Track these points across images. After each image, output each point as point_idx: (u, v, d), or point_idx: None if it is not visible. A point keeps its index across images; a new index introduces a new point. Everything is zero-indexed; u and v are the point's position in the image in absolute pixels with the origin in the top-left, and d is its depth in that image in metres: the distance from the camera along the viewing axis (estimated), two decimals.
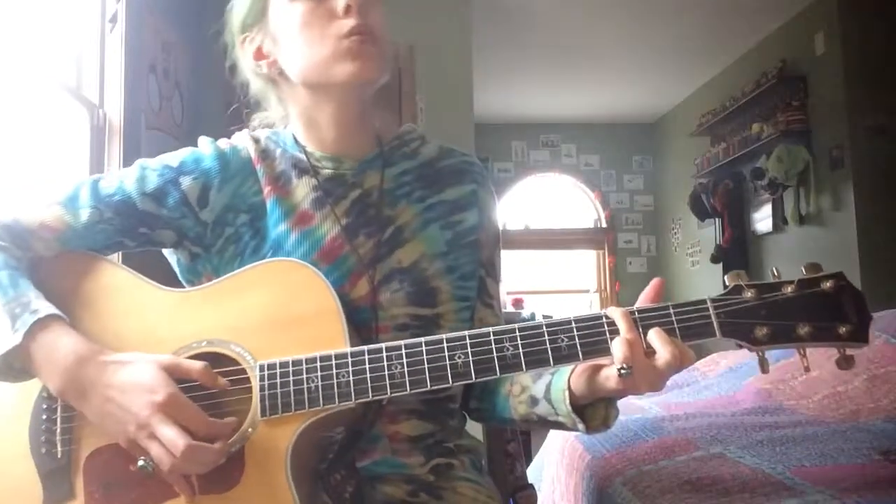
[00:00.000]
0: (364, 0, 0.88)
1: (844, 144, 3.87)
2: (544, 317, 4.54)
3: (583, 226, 6.69)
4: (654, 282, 0.80)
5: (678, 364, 0.72)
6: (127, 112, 2.08)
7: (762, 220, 4.73)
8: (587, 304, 6.49)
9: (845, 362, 0.74)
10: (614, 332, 0.75)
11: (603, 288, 6.60)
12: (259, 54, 0.96)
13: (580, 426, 0.82)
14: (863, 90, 3.82)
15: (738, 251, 4.92)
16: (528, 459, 1.79)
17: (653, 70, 5.22)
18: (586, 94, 5.79)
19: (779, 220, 4.50)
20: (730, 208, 4.95)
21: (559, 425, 0.86)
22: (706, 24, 4.42)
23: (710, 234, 5.37)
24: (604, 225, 6.62)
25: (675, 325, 0.74)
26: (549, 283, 6.56)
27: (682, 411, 1.62)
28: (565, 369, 0.84)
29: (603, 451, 1.36)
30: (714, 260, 5.04)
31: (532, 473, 1.73)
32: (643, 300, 0.78)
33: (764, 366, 0.76)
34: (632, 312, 0.75)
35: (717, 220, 5.13)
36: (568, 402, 0.81)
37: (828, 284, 0.74)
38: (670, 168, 6.27)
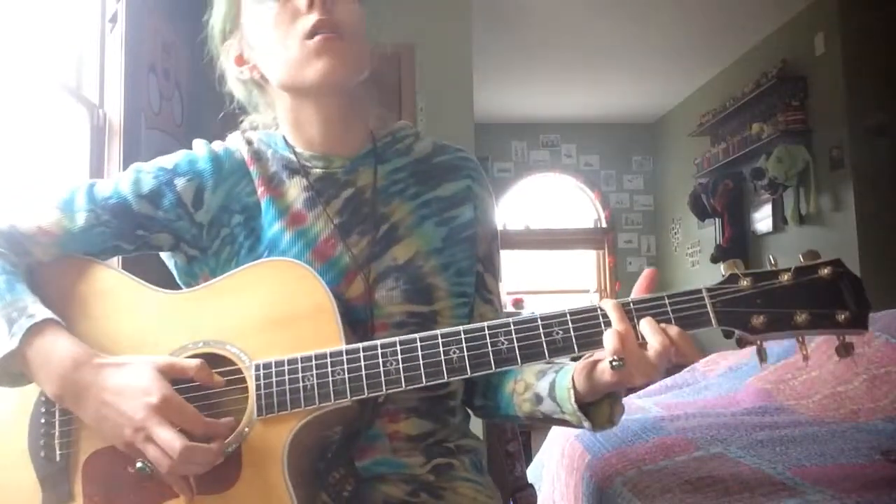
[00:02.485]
0: None
1: (844, 144, 3.87)
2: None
3: (583, 226, 6.69)
4: (647, 272, 0.79)
5: (669, 353, 0.72)
6: (127, 112, 2.08)
7: (762, 220, 4.73)
8: (587, 304, 6.47)
9: (844, 350, 0.73)
10: (609, 323, 0.75)
11: (603, 288, 6.60)
12: (240, 60, 0.96)
13: (586, 424, 0.82)
14: (863, 90, 3.82)
15: (738, 251, 4.92)
16: (528, 459, 1.79)
17: (653, 70, 5.22)
18: (586, 94, 5.79)
19: (779, 220, 4.50)
20: (730, 208, 4.95)
21: (565, 423, 0.86)
22: (706, 24, 4.42)
23: (710, 234, 5.37)
24: (604, 225, 6.62)
25: (671, 315, 0.74)
26: (549, 283, 6.56)
27: (682, 411, 1.62)
28: (569, 367, 0.84)
29: (603, 451, 1.36)
30: (714, 260, 5.04)
31: (532, 473, 1.73)
32: (637, 291, 0.78)
33: (762, 355, 0.75)
34: (626, 304, 0.75)
35: (717, 220, 5.14)
36: (573, 399, 0.81)
37: (826, 271, 0.73)
38: (670, 168, 6.27)
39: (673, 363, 0.74)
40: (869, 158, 3.79)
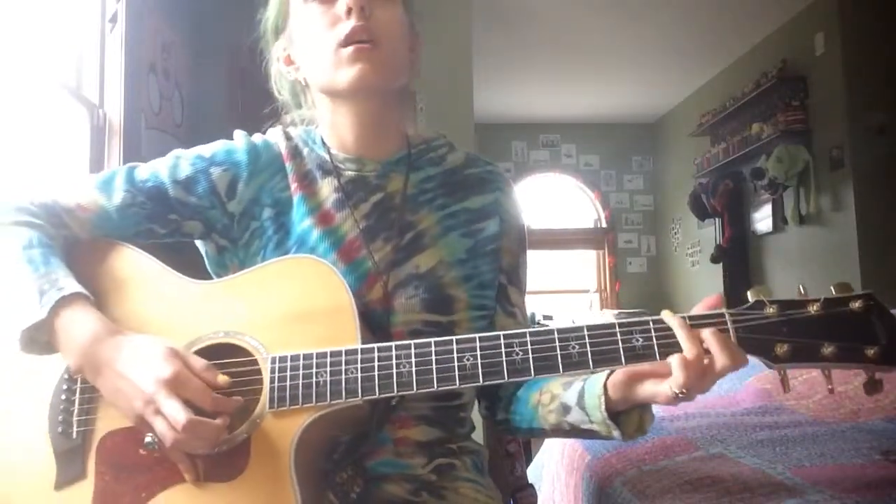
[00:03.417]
0: (368, 1, 0.88)
1: (844, 144, 3.87)
2: (544, 317, 4.51)
3: (583, 226, 6.69)
4: (715, 297, 0.78)
5: (735, 367, 0.71)
6: (127, 112, 2.08)
7: (762, 220, 4.73)
8: (587, 304, 6.49)
9: (872, 386, 0.71)
10: (627, 340, 0.74)
11: (603, 288, 6.60)
12: (288, 61, 0.98)
13: (615, 433, 0.82)
14: (863, 90, 3.82)
15: (738, 251, 4.92)
16: (529, 459, 1.79)
17: (653, 70, 5.22)
18: (586, 94, 5.79)
19: (779, 220, 4.50)
20: (730, 208, 4.95)
21: (592, 433, 0.85)
22: (706, 24, 4.42)
23: (710, 234, 5.37)
24: (604, 225, 6.62)
25: None
26: (549, 283, 6.56)
27: (682, 411, 1.62)
28: (599, 375, 0.83)
29: (603, 451, 1.36)
30: (714, 260, 5.04)
31: (532, 473, 1.73)
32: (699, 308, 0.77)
33: (785, 385, 0.73)
34: (644, 322, 0.75)
35: (717, 220, 5.14)
36: (604, 407, 0.80)
37: (857, 304, 0.71)
38: (670, 168, 6.27)
39: None
40: (869, 158, 3.79)
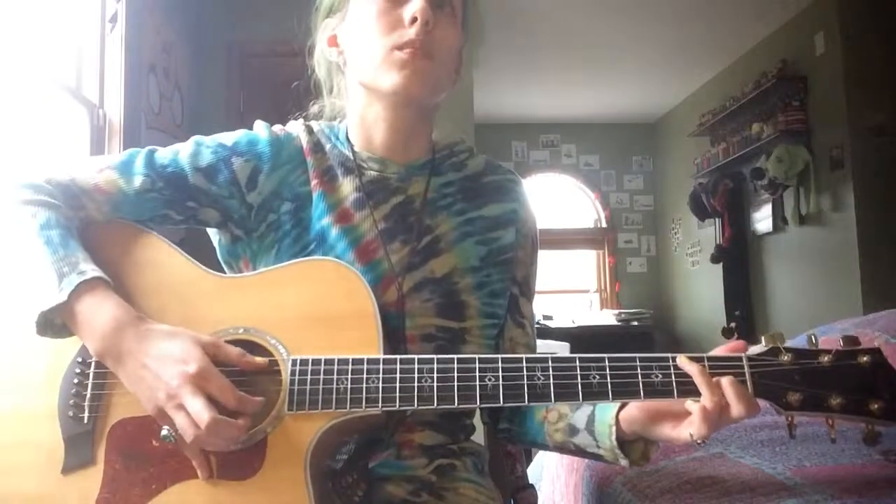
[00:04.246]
0: (433, 16, 0.87)
1: (844, 144, 3.87)
2: (544, 317, 4.50)
3: (583, 226, 6.69)
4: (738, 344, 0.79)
5: (747, 416, 0.73)
6: (127, 112, 2.09)
7: (762, 220, 4.73)
8: (587, 304, 6.49)
9: (871, 438, 0.74)
10: (647, 375, 0.75)
11: (603, 288, 6.60)
12: (333, 41, 0.97)
13: (623, 461, 0.83)
14: (863, 90, 3.82)
15: (738, 251, 4.92)
16: (529, 459, 1.79)
17: (653, 70, 5.22)
18: (586, 94, 5.79)
19: (779, 221, 4.50)
20: (730, 208, 4.95)
21: (597, 457, 0.86)
22: (706, 24, 4.42)
23: (710, 234, 5.37)
24: (604, 225, 6.62)
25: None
26: (549, 283, 6.56)
27: None
28: (610, 403, 0.83)
29: None
30: (714, 260, 5.04)
31: (532, 473, 1.73)
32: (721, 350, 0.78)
33: (791, 430, 0.76)
34: (664, 359, 0.76)
35: (717, 220, 5.14)
36: (615, 437, 0.81)
37: (864, 359, 0.74)
38: (670, 168, 6.27)
39: None
40: (869, 158, 3.79)
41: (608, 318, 5.92)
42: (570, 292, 6.63)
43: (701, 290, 5.61)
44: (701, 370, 0.74)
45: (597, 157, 6.59)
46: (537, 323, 5.22)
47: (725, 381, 0.73)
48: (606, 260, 6.58)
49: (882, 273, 3.62)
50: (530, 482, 1.18)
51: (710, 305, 5.29)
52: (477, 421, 1.04)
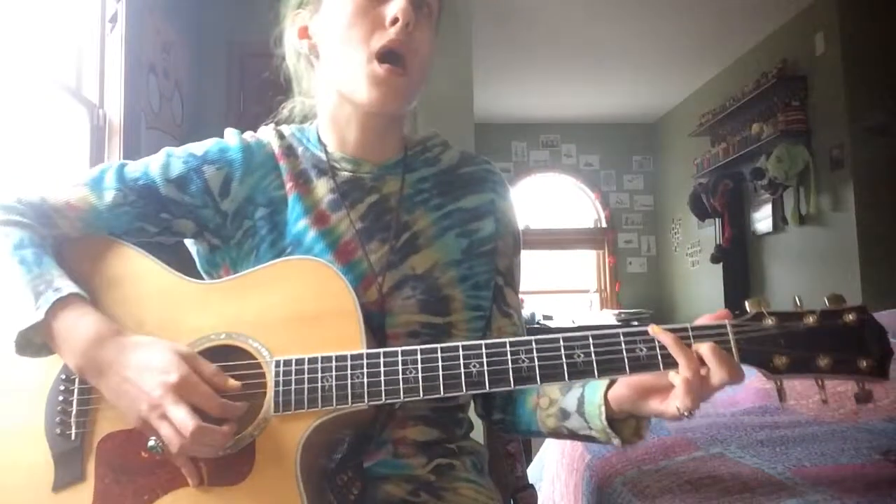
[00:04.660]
0: (414, 19, 0.86)
1: (844, 144, 3.87)
2: (544, 317, 4.50)
3: (583, 226, 6.69)
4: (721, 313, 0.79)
5: (732, 383, 0.72)
6: (127, 112, 2.08)
7: (762, 220, 4.73)
8: (587, 304, 6.49)
9: (864, 396, 0.74)
10: (631, 349, 0.74)
11: (603, 288, 6.59)
12: (304, 33, 0.95)
13: (615, 441, 0.82)
14: (863, 90, 3.82)
15: (738, 251, 4.92)
16: (529, 459, 1.79)
17: (653, 70, 5.22)
18: (586, 94, 5.79)
19: (779, 220, 4.50)
20: (730, 208, 4.95)
21: (591, 439, 0.86)
22: (706, 24, 4.42)
23: (710, 234, 5.37)
24: (604, 225, 6.62)
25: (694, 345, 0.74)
26: (549, 283, 6.56)
27: None
28: (598, 382, 0.83)
29: (603, 450, 1.36)
30: (714, 260, 5.04)
31: (532, 473, 1.73)
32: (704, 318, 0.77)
33: (782, 395, 0.75)
34: (647, 332, 0.75)
35: (717, 220, 5.13)
36: (604, 417, 0.81)
37: (850, 317, 0.73)
38: (670, 168, 6.27)
39: None
40: (869, 158, 3.79)
41: (608, 318, 5.91)
42: (570, 292, 6.63)
43: (701, 291, 5.60)
44: (675, 339, 0.73)
45: (597, 157, 6.59)
46: (537, 323, 5.24)
47: (705, 348, 0.73)
48: (606, 260, 6.58)
49: (882, 273, 3.62)
50: (530, 482, 1.18)
51: (710, 306, 5.28)
52: (476, 419, 1.04)
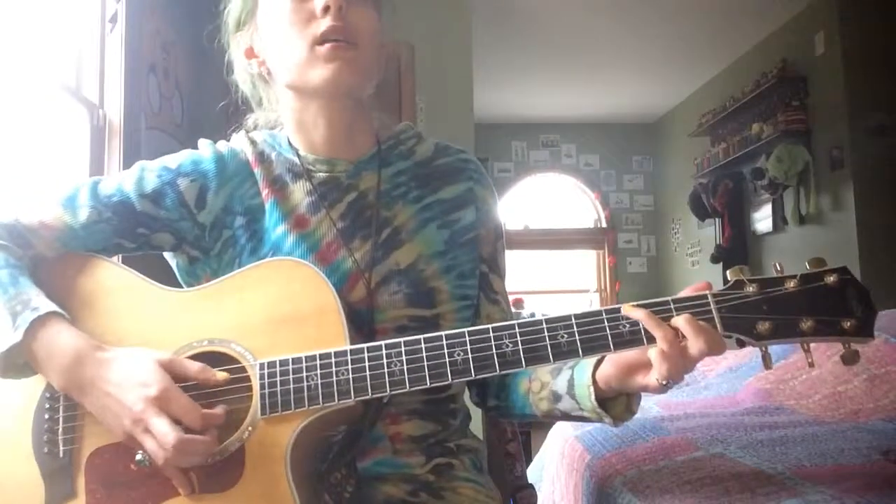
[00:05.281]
0: (345, 2, 0.87)
1: (844, 144, 3.87)
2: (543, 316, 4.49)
3: (583, 226, 6.69)
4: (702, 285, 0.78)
5: (711, 352, 0.72)
6: (127, 112, 2.08)
7: (762, 220, 4.73)
8: (587, 304, 6.49)
9: (850, 357, 0.73)
10: (614, 327, 0.75)
11: (603, 288, 6.60)
12: (250, 53, 0.96)
13: (606, 420, 0.83)
14: (863, 90, 3.82)
15: (738, 251, 4.92)
16: (528, 459, 1.79)
17: (653, 70, 5.22)
18: (586, 94, 5.79)
19: (779, 220, 4.50)
20: (730, 208, 4.95)
21: (583, 419, 0.87)
22: (706, 24, 4.42)
23: (710, 234, 5.37)
24: (604, 225, 6.62)
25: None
26: (549, 283, 6.56)
27: (682, 411, 1.62)
28: (586, 363, 0.83)
29: (603, 451, 1.36)
30: (714, 260, 5.04)
31: (532, 473, 1.73)
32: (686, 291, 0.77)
33: (767, 361, 0.75)
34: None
35: (717, 220, 5.14)
36: (594, 397, 0.82)
37: (832, 279, 0.73)
38: (670, 168, 6.27)
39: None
40: (869, 158, 3.79)
41: None
42: (570, 292, 6.63)
43: None
44: (647, 314, 0.74)
45: (597, 157, 6.59)
46: None
47: (680, 320, 0.73)
48: (606, 260, 6.58)
49: (882, 273, 3.62)
50: (530, 482, 1.18)
51: None
52: (474, 410, 1.04)
